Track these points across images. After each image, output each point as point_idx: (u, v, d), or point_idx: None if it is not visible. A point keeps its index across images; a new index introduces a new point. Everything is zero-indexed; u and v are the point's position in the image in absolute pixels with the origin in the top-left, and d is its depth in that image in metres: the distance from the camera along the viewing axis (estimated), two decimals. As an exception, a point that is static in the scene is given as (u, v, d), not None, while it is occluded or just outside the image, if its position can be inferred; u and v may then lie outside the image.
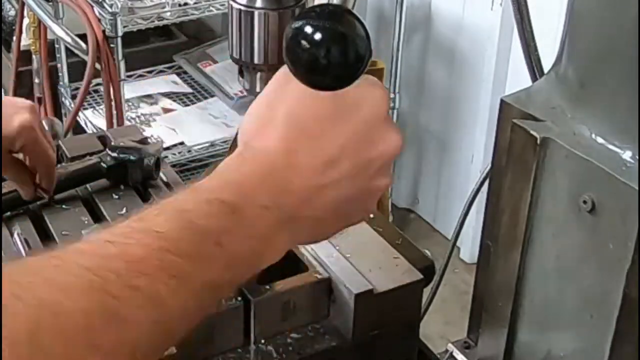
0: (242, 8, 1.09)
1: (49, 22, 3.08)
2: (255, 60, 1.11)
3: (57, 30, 3.03)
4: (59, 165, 1.68)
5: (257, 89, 1.14)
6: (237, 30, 1.10)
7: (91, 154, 1.69)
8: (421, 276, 1.30)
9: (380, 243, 1.37)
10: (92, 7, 2.92)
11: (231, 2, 1.10)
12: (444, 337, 1.73)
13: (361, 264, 1.29)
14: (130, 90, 3.37)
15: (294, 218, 0.88)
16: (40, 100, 3.53)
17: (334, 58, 0.83)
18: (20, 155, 1.42)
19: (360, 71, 0.85)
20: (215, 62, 3.81)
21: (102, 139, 1.79)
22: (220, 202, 0.83)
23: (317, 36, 0.82)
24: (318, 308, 1.29)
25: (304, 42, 0.82)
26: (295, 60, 0.84)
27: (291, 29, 0.83)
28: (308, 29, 0.82)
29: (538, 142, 1.12)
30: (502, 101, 1.22)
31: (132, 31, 3.05)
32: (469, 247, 3.57)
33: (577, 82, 1.13)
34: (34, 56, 3.47)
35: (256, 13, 1.08)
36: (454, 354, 1.41)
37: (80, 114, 3.27)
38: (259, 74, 1.13)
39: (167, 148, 3.24)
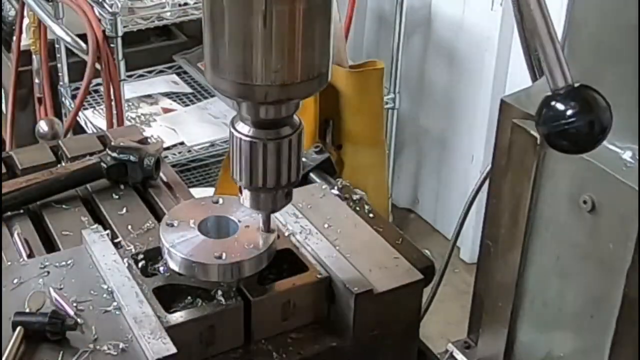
0: (244, 138, 1.13)
1: (49, 22, 3.08)
2: (256, 184, 1.16)
3: (57, 30, 3.03)
4: (58, 165, 1.68)
5: (256, 207, 1.21)
6: (237, 156, 1.15)
7: (91, 154, 1.69)
8: (421, 276, 1.30)
9: (380, 243, 1.37)
10: (92, 7, 2.92)
11: (232, 130, 1.14)
12: (444, 337, 1.73)
13: (361, 264, 1.29)
14: (130, 90, 3.37)
15: None
16: (40, 100, 3.53)
17: (582, 128, 0.95)
18: None
19: (602, 140, 0.96)
20: (215, 62, 3.81)
21: (102, 139, 1.80)
22: None
23: (569, 112, 0.96)
24: (318, 308, 1.29)
25: (556, 117, 0.95)
26: (548, 132, 0.97)
27: (545, 106, 0.96)
28: (560, 106, 0.96)
29: (538, 142, 1.12)
30: (502, 101, 1.22)
31: (132, 31, 3.05)
32: (469, 247, 3.57)
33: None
34: (34, 56, 3.47)
35: (256, 143, 1.13)
36: (454, 354, 1.41)
37: (80, 114, 3.27)
38: (257, 195, 1.19)
39: (167, 148, 3.24)
